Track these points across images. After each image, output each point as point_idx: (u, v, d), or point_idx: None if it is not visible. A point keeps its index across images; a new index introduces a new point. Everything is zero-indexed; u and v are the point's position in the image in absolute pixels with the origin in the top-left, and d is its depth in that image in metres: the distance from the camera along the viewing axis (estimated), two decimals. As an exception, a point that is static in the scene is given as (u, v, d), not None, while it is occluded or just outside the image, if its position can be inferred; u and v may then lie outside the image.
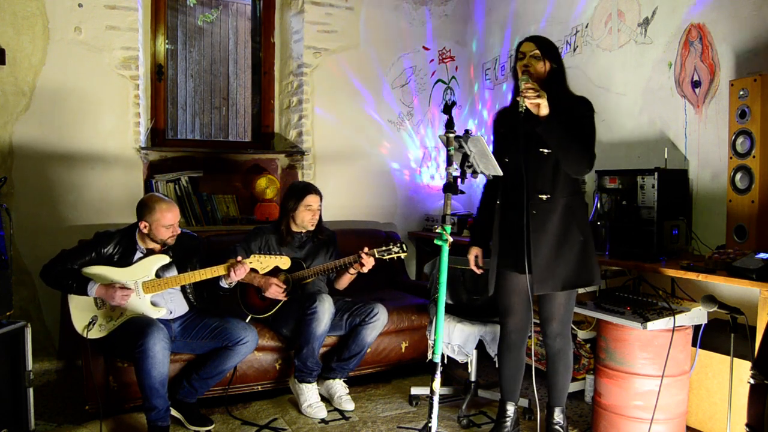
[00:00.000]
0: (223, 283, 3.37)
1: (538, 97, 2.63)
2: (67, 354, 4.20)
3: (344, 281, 3.80)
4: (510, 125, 2.91)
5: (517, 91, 2.87)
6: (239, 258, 3.31)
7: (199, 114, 4.96)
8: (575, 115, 2.77)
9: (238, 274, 3.29)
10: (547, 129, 2.68)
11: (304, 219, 3.72)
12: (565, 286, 2.86)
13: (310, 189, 3.77)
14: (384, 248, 3.59)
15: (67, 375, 4.08)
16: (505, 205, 2.94)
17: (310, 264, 3.73)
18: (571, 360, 3.03)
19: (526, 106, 2.67)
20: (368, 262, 3.56)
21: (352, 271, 3.66)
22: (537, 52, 2.83)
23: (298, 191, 3.76)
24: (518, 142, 2.83)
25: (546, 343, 3.02)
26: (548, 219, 2.81)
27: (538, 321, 3.25)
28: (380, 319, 3.65)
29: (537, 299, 3.03)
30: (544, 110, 2.65)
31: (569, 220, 2.83)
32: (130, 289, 3.18)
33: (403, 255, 3.60)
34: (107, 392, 3.27)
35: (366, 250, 3.56)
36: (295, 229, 3.76)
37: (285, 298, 3.61)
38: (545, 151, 2.79)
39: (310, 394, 3.49)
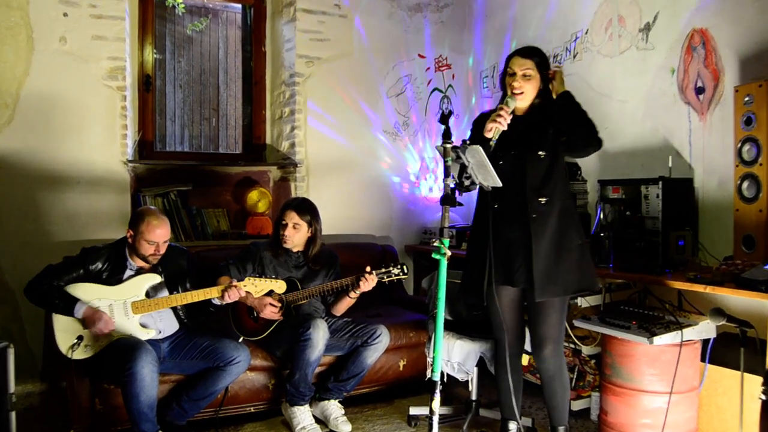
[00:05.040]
0: (216, 301, 3.35)
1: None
2: (51, 375, 4.15)
3: (342, 306, 3.74)
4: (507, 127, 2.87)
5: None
6: (233, 281, 3.29)
7: (188, 125, 4.95)
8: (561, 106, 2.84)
9: (232, 298, 3.27)
10: (565, 98, 2.77)
11: (279, 234, 3.70)
12: (567, 291, 2.87)
13: (289, 203, 3.74)
14: (383, 270, 3.57)
15: (51, 398, 4.04)
16: (499, 211, 2.92)
17: (307, 285, 3.68)
18: (567, 377, 3.02)
19: (496, 140, 2.74)
20: (369, 284, 3.53)
21: (352, 294, 3.61)
22: (529, 72, 2.85)
23: (282, 205, 3.76)
24: (511, 144, 2.84)
25: (540, 368, 3.00)
26: (547, 223, 2.82)
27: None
28: (382, 341, 3.64)
29: (527, 320, 3.02)
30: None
31: (566, 223, 2.86)
32: (113, 324, 3.16)
33: (403, 277, 3.59)
34: (93, 415, 3.23)
35: (368, 269, 3.53)
36: (287, 245, 3.74)
37: (281, 318, 3.58)
38: (542, 153, 2.82)
39: (303, 416, 3.45)
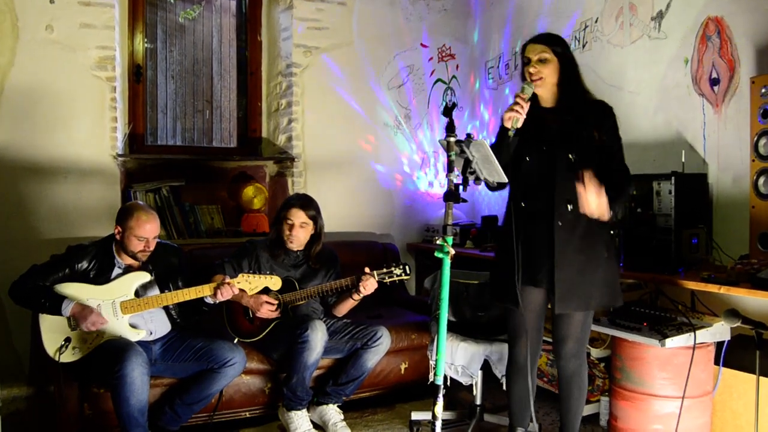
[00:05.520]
0: (209, 300, 3.34)
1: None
2: (38, 379, 4.16)
3: (344, 307, 3.73)
4: (534, 120, 2.82)
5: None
6: (227, 278, 3.29)
7: (180, 118, 4.95)
8: (600, 128, 2.79)
9: (225, 295, 3.26)
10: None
11: (283, 234, 3.68)
12: (588, 306, 2.84)
13: (292, 201, 3.71)
14: (384, 270, 3.55)
15: (39, 402, 4.04)
16: (526, 210, 2.89)
17: (305, 285, 3.68)
18: (585, 383, 3.00)
19: (515, 130, 2.70)
20: (370, 285, 3.53)
21: (356, 296, 3.60)
22: (545, 54, 2.82)
23: (283, 203, 3.74)
24: (541, 141, 2.82)
25: (559, 365, 2.99)
26: (573, 232, 2.79)
27: (548, 339, 3.24)
28: (383, 343, 3.63)
29: (550, 316, 3.00)
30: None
31: (594, 234, 2.80)
32: (105, 320, 3.16)
33: (405, 278, 3.58)
34: (82, 420, 3.24)
35: (368, 270, 3.53)
36: (288, 245, 3.73)
37: (278, 316, 3.58)
38: (573, 156, 2.77)
39: (300, 421, 3.46)
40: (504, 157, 2.75)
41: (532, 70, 2.82)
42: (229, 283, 3.25)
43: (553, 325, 2.98)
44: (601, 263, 2.82)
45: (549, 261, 2.80)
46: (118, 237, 3.26)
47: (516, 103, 2.70)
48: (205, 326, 3.58)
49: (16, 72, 4.07)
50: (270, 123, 5.10)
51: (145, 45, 4.72)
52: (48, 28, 4.14)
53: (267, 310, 3.54)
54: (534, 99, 2.83)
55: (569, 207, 2.77)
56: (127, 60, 4.62)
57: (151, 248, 3.30)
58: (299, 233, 3.66)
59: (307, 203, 3.69)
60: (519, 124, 2.70)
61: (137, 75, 4.66)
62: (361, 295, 3.57)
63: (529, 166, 2.80)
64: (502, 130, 2.76)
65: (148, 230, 3.25)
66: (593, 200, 2.59)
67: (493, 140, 2.87)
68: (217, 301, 3.35)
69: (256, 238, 3.94)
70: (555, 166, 2.79)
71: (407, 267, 3.58)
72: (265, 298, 3.53)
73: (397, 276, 3.55)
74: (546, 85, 2.84)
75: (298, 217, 3.64)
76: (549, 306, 2.96)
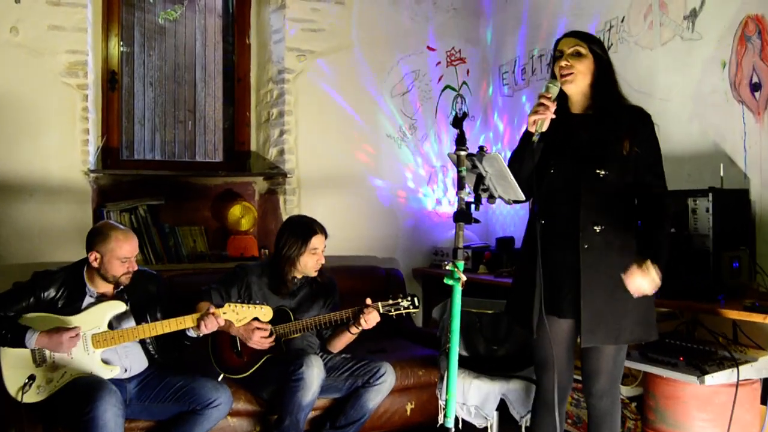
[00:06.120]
0: (191, 333, 3.33)
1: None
2: (-2, 422, 4.15)
3: (341, 342, 3.73)
4: (561, 126, 2.80)
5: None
6: (211, 309, 3.27)
7: (159, 130, 4.97)
8: (636, 135, 2.78)
9: (209, 327, 3.25)
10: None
11: (307, 265, 3.66)
12: (618, 340, 2.81)
13: (314, 228, 3.69)
14: (390, 302, 3.55)
15: (-1, 448, 4.03)
16: (548, 229, 2.87)
17: (301, 315, 3.67)
18: (618, 424, 2.96)
19: (540, 134, 2.70)
20: (372, 319, 3.52)
21: (353, 330, 3.60)
22: (580, 49, 2.80)
23: (300, 231, 3.68)
24: (568, 151, 2.81)
25: (589, 404, 2.95)
26: (603, 256, 2.76)
27: (576, 376, 3.21)
28: (387, 381, 3.61)
29: (579, 349, 2.98)
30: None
31: (625, 258, 2.75)
32: (77, 332, 3.12)
33: (414, 311, 3.57)
34: (47, 469, 3.22)
35: (369, 301, 3.52)
36: (294, 273, 3.72)
37: (272, 344, 3.55)
38: (602, 172, 2.75)
39: (294, 469, 3.44)
40: (527, 166, 2.76)
41: (563, 63, 2.80)
42: (214, 314, 3.24)
43: (582, 359, 2.95)
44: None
45: (574, 289, 2.78)
46: (96, 264, 3.26)
47: (540, 104, 2.69)
48: (187, 360, 3.56)
49: (-22, 79, 4.11)
50: (260, 135, 5.11)
51: (121, 49, 4.75)
52: (12, 30, 4.17)
53: (259, 339, 3.52)
54: (563, 103, 2.82)
55: (596, 229, 2.75)
56: (100, 66, 4.64)
57: (135, 268, 3.32)
58: (322, 260, 3.70)
59: (322, 228, 3.72)
60: (544, 128, 2.69)
61: (112, 82, 4.68)
62: (360, 329, 3.56)
63: (553, 179, 2.78)
64: (526, 135, 2.77)
65: (129, 250, 3.27)
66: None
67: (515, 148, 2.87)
68: (201, 335, 3.33)
69: (247, 263, 3.93)
70: (580, 181, 2.78)
71: (416, 299, 3.57)
72: (256, 324, 3.50)
73: (405, 309, 3.54)
74: (578, 84, 2.82)
75: (322, 242, 3.67)
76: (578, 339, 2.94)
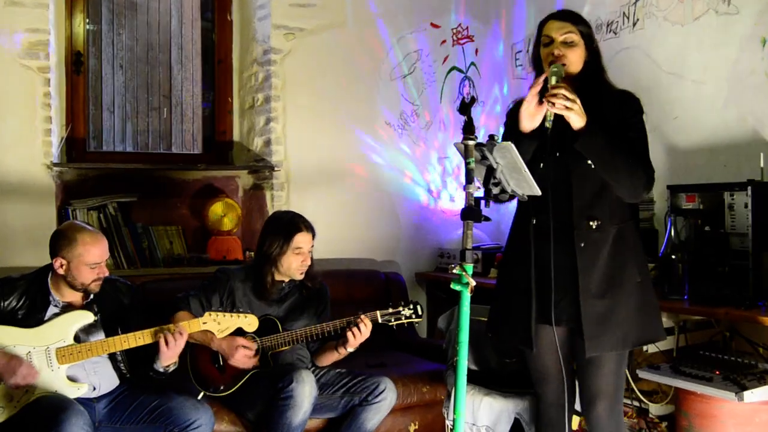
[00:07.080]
0: (158, 366, 3.28)
1: (569, 105, 2.65)
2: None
3: (328, 358, 3.75)
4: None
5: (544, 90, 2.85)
6: (177, 326, 3.24)
7: (131, 118, 4.97)
8: (622, 121, 2.81)
9: (171, 347, 3.21)
10: (587, 145, 2.70)
11: (291, 266, 3.66)
12: (625, 344, 2.83)
13: (298, 224, 3.69)
14: (390, 311, 3.57)
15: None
16: (539, 227, 2.90)
17: (290, 325, 3.68)
18: None
19: (552, 119, 2.70)
20: (362, 333, 3.52)
21: (341, 350, 3.61)
22: (572, 36, 2.84)
23: (282, 228, 3.69)
24: (557, 145, 2.83)
25: (591, 431, 2.98)
26: (598, 253, 2.80)
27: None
28: (387, 398, 3.61)
29: (576, 368, 2.99)
30: (578, 123, 2.67)
31: (624, 254, 2.82)
32: (37, 372, 3.13)
33: (416, 320, 3.59)
34: (7, 498, 3.23)
35: (362, 316, 3.53)
36: (278, 277, 3.72)
37: (256, 364, 3.56)
38: (592, 163, 2.78)
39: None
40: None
41: (556, 51, 2.83)
42: (179, 329, 3.22)
43: (579, 382, 2.98)
44: (633, 290, 2.83)
45: (570, 292, 2.81)
46: (62, 271, 3.25)
47: (553, 95, 2.65)
48: (163, 379, 3.56)
49: (-74, 62, 4.11)
50: (243, 123, 5.11)
51: (87, 27, 4.75)
52: (-35, 7, 4.17)
53: (243, 357, 3.52)
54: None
55: (592, 224, 2.79)
56: (64, 46, 4.64)
57: (105, 273, 3.32)
58: (308, 261, 3.70)
59: (308, 224, 3.72)
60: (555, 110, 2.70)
61: (77, 64, 4.69)
62: (348, 350, 3.58)
63: (543, 176, 2.79)
64: (518, 131, 2.78)
65: (98, 254, 3.26)
66: (560, 102, 2.63)
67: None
68: (170, 368, 3.30)
69: (230, 267, 3.93)
70: (571, 175, 2.81)
71: (419, 306, 3.58)
72: (240, 341, 3.50)
73: (407, 318, 3.55)
74: (570, 71, 2.84)
75: (307, 241, 3.67)
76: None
